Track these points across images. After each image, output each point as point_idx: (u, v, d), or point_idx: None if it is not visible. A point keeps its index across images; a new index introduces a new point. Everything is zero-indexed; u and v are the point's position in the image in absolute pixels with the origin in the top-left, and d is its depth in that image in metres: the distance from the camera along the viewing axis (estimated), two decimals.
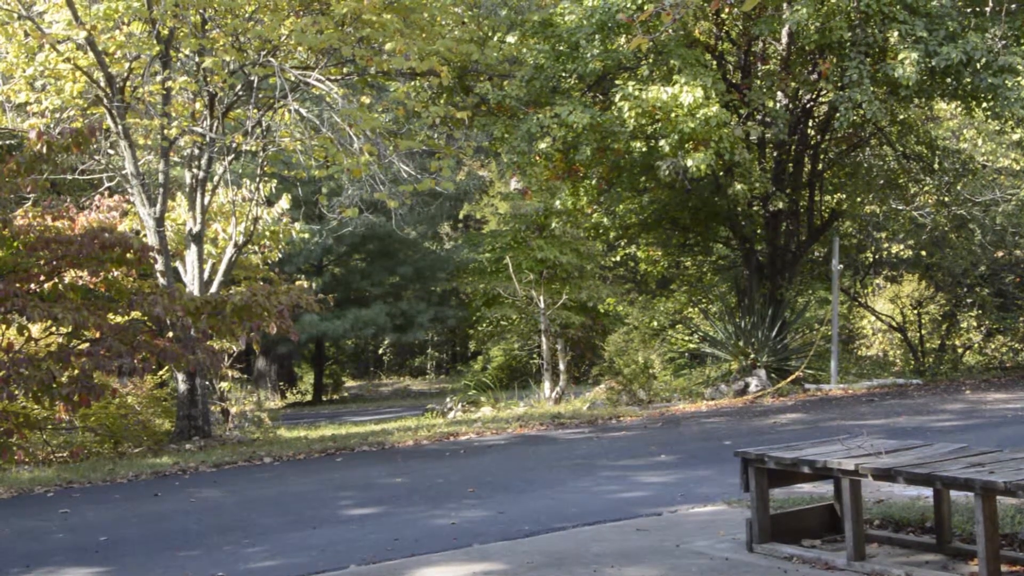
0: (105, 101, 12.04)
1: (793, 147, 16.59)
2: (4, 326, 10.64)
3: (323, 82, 12.12)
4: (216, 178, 13.03)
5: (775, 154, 16.43)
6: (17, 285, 10.03)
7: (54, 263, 10.59)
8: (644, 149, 14.58)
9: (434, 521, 7.02)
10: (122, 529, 7.34)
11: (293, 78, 12.16)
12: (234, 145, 12.63)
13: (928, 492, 5.77)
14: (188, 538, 6.94)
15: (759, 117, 15.16)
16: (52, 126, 12.07)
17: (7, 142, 12.58)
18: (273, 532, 6.95)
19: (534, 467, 9.03)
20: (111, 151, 12.93)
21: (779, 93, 15.62)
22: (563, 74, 15.07)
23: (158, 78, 12.04)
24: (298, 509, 7.69)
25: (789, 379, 14.41)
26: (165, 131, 12.16)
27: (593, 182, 17.38)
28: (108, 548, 6.78)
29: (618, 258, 21.49)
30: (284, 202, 14.08)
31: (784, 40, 15.45)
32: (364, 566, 5.83)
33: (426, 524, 6.94)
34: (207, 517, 7.63)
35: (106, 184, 13.14)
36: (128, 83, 12.25)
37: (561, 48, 14.82)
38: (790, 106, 15.96)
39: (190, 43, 12.08)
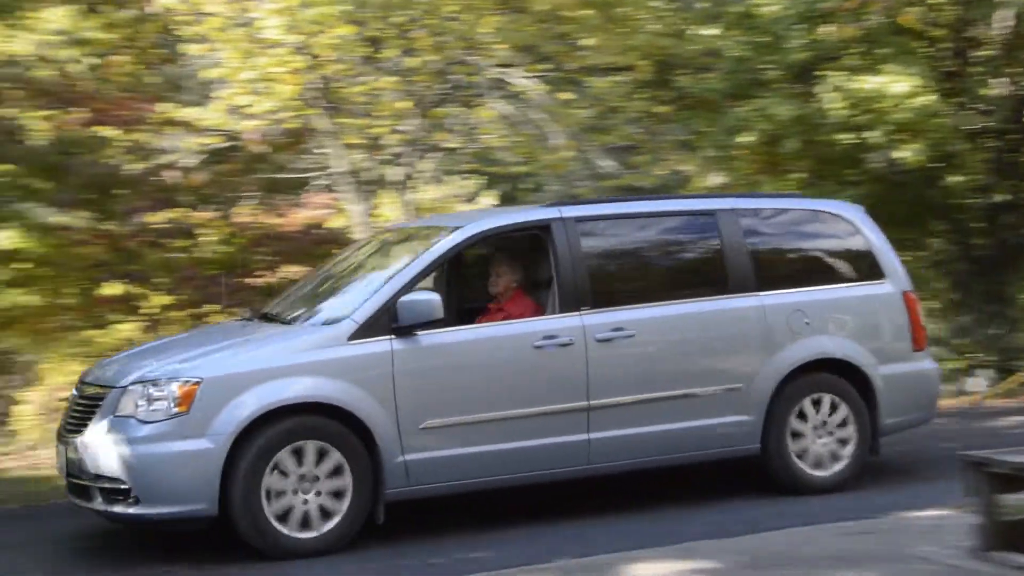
0: (317, 102, 12.48)
1: (1015, 136, 15.70)
2: None
3: (523, 79, 12.23)
4: (422, 175, 13.32)
5: (994, 144, 15.58)
6: (244, 280, 10.51)
7: (271, 258, 11.05)
8: (851, 141, 14.11)
9: (642, 518, 6.94)
10: None
11: (494, 76, 12.30)
12: (439, 143, 12.88)
13: None
14: None
15: (976, 106, 14.42)
16: (268, 127, 12.59)
17: (228, 143, 13.21)
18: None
19: None
20: (322, 150, 13.39)
21: (998, 80, 14.81)
22: (765, 66, 14.73)
23: (365, 79, 12.39)
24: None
25: (1016, 379, 13.64)
26: (372, 130, 12.50)
27: (797, 176, 16.90)
28: None
29: None
30: (489, 198, 14.30)
31: (1008, 23, 14.62)
32: (573, 560, 5.83)
33: (633, 520, 6.87)
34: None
35: (318, 182, 13.63)
36: (338, 84, 12.65)
37: (763, 39, 14.49)
38: (1010, 93, 15.11)
39: (395, 44, 12.38)
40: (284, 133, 13.22)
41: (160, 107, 13.04)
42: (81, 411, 6.47)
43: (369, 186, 12.90)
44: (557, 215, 6.91)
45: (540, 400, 6.62)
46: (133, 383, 6.19)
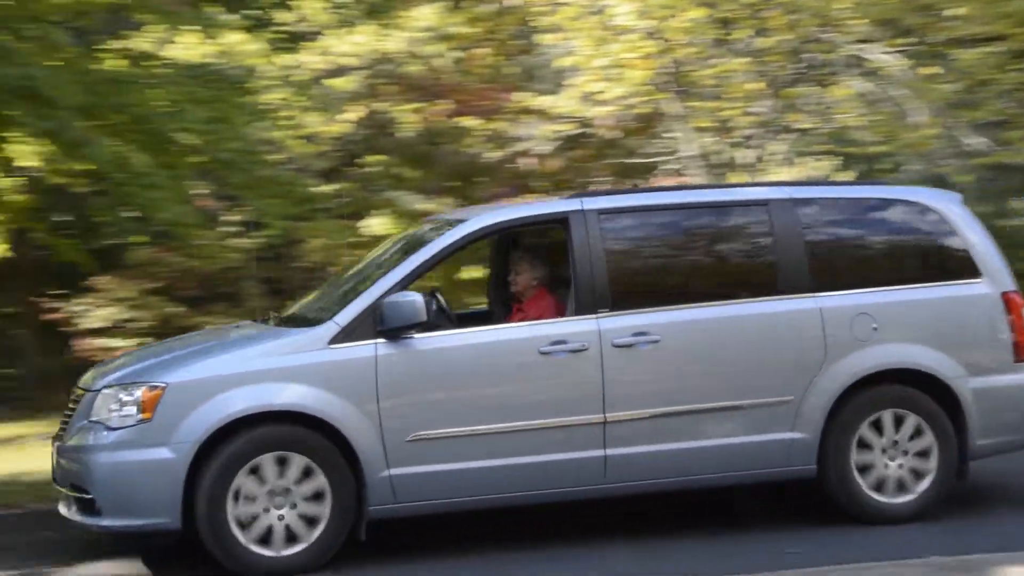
0: (667, 86, 12.56)
1: None
2: None
3: (883, 54, 11.74)
4: (774, 157, 13.09)
5: None
6: None
7: None
8: None
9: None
10: None
11: (851, 52, 11.90)
12: (792, 124, 12.62)
13: None
14: None
15: None
16: (619, 113, 12.80)
17: (580, 130, 13.57)
18: None
19: None
20: (672, 134, 13.45)
21: None
22: None
23: (716, 61, 12.33)
24: None
25: None
26: (723, 113, 12.43)
27: None
28: None
29: None
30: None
31: None
32: (944, 557, 5.55)
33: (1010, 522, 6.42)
34: None
35: (668, 166, 13.70)
36: (688, 68, 12.67)
37: None
38: None
39: (747, 24, 12.24)
40: (635, 118, 13.39)
41: (517, 96, 13.58)
42: (70, 415, 6.11)
43: (719, 169, 12.83)
44: (577, 207, 6.22)
45: (546, 412, 5.94)
46: (106, 386, 5.85)
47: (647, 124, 13.58)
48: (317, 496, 5.69)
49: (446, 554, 6.12)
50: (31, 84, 7.30)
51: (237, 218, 12.82)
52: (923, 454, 6.29)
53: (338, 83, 13.15)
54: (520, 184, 13.93)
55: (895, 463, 6.30)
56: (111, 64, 8.91)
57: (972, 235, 6.59)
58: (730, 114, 12.50)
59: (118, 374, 5.96)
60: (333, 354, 5.77)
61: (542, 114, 13.36)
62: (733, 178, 14.03)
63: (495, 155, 13.91)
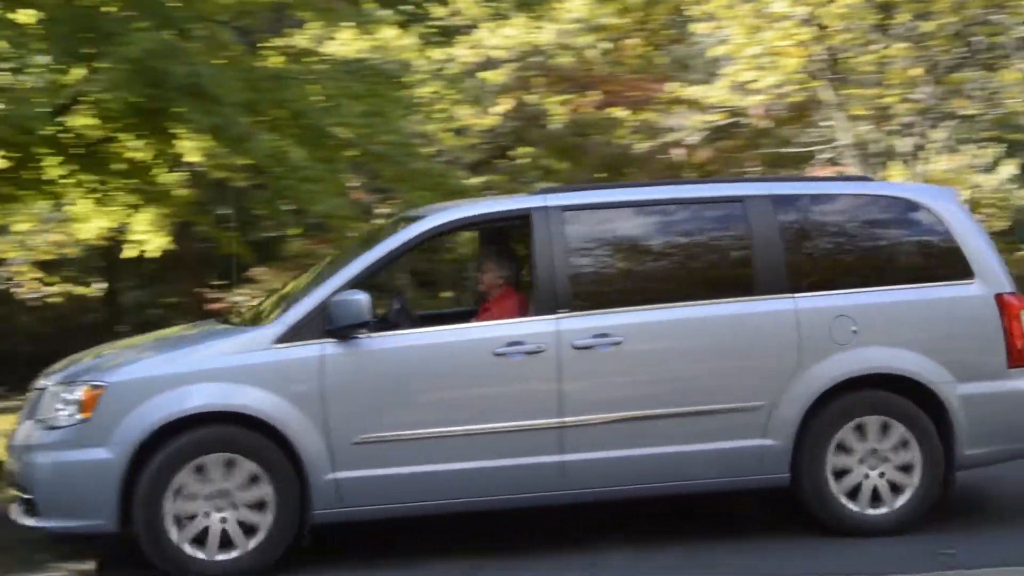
0: (822, 74, 12.26)
1: None
2: None
3: None
4: (934, 145, 12.67)
5: None
6: None
7: None
8: None
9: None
10: None
11: (1021, 35, 11.43)
12: (955, 110, 12.19)
13: None
14: None
15: None
16: (772, 102, 12.56)
17: (731, 120, 13.36)
18: None
19: None
20: (827, 123, 13.13)
21: None
22: None
23: (874, 47, 11.98)
24: None
25: None
26: (881, 100, 12.08)
27: None
28: None
29: None
30: (1009, 167, 13.29)
31: None
32: None
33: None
34: None
35: (823, 155, 13.38)
36: (845, 55, 12.35)
37: None
38: None
39: (908, 8, 11.85)
40: (788, 107, 13.13)
41: (668, 87, 13.46)
42: None
43: (877, 158, 12.45)
44: (540, 204, 5.89)
45: (500, 415, 5.64)
46: (53, 384, 5.69)
47: (800, 113, 13.30)
48: (259, 499, 5.49)
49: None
50: (198, 82, 7.51)
51: (388, 210, 13.04)
52: (905, 463, 5.92)
53: (489, 76, 13.25)
54: (671, 175, 13.82)
55: (875, 472, 5.93)
56: (272, 61, 9.15)
57: (966, 234, 6.17)
58: (888, 101, 12.12)
59: (64, 373, 5.82)
60: (278, 354, 5.57)
61: (693, 104, 13.20)
62: (892, 167, 13.63)
63: (645, 146, 13.83)
